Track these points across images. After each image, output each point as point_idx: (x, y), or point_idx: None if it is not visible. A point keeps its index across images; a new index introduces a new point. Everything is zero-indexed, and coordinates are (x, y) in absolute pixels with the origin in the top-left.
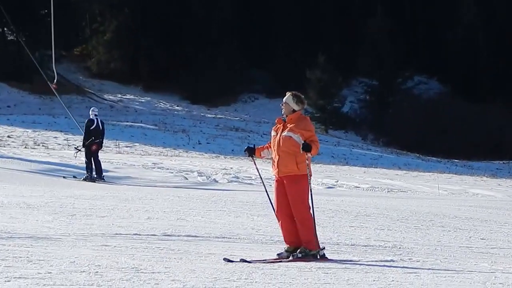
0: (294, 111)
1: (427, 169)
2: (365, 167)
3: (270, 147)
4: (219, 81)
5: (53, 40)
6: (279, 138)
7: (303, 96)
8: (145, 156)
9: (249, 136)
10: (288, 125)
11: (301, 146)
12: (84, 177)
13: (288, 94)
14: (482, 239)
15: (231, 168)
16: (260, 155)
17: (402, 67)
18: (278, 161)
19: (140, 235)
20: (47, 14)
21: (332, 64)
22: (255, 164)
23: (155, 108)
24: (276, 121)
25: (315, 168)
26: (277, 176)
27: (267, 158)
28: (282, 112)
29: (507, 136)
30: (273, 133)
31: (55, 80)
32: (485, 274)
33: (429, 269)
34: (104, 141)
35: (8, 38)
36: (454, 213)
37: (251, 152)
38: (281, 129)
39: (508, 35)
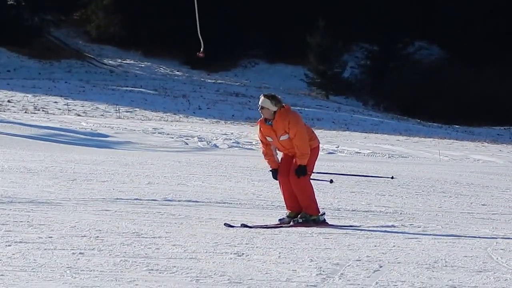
0: (274, 112)
1: (428, 134)
2: (366, 132)
3: (271, 149)
4: (218, 46)
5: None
6: (280, 142)
7: (278, 96)
8: (145, 121)
9: (249, 102)
10: (278, 128)
11: (295, 172)
12: None
13: (263, 98)
14: (483, 205)
15: (232, 133)
16: (275, 161)
17: (403, 33)
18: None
19: (140, 200)
20: None
21: (332, 29)
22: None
23: (155, 73)
24: (259, 126)
25: (316, 133)
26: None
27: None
28: (261, 116)
29: (508, 101)
30: (269, 139)
31: (201, 49)
32: (486, 240)
33: (430, 234)
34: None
35: (8, 3)
36: (455, 179)
37: (275, 174)
38: (274, 134)
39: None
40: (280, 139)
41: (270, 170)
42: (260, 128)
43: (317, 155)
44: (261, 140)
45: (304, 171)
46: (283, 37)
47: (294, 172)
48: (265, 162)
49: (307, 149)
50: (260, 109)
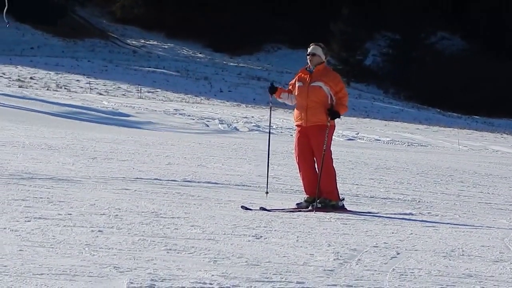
0: (321, 62)
1: (448, 124)
2: (386, 120)
3: (291, 93)
4: (242, 30)
5: None
6: (308, 88)
7: None
8: (166, 102)
9: None
10: (316, 75)
11: (329, 114)
12: None
13: (315, 45)
14: (501, 195)
15: (252, 117)
16: (280, 96)
17: (426, 22)
18: (307, 111)
19: (160, 180)
20: None
21: (356, 17)
22: (270, 110)
23: (177, 55)
24: (299, 71)
25: (335, 120)
26: (304, 125)
27: (285, 101)
28: (309, 63)
29: None
30: (298, 83)
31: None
32: (503, 230)
33: (448, 223)
34: None
35: None
36: (473, 169)
37: (273, 90)
38: (308, 80)
39: None
40: (311, 84)
41: (272, 85)
42: (299, 73)
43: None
44: (291, 84)
45: (338, 115)
46: (307, 23)
47: (328, 113)
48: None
49: (346, 104)
50: (311, 56)
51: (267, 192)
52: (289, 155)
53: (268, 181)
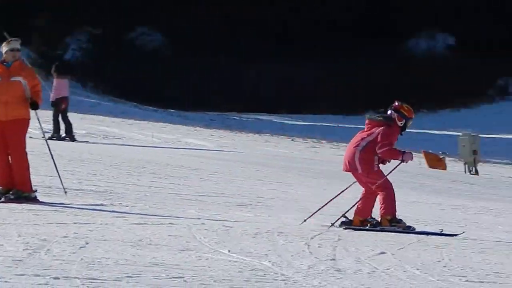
0: (18, 58)
1: (144, 117)
2: (83, 113)
3: None
4: None
5: None
6: (7, 83)
7: None
8: None
9: None
10: (15, 70)
11: (31, 106)
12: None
13: (15, 40)
14: (192, 186)
15: None
16: None
17: (126, 18)
18: (7, 106)
19: None
20: None
21: (56, 12)
22: None
23: None
24: None
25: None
26: (3, 119)
27: None
28: (8, 58)
29: (229, 89)
30: None
31: None
32: (191, 220)
33: (138, 213)
34: None
35: None
36: (166, 161)
37: None
38: (7, 74)
39: None
40: (12, 79)
41: None
42: None
43: None
44: None
45: (38, 107)
46: (2, 17)
47: (31, 105)
48: None
49: (41, 97)
50: (16, 51)
51: None
52: None
53: None
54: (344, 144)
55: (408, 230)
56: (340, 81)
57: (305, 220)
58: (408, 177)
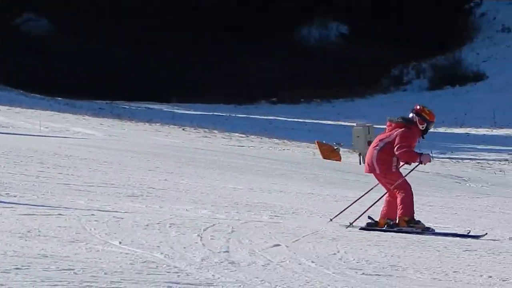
0: None
1: (30, 105)
2: None
3: None
4: None
5: None
6: None
7: None
8: None
9: None
10: None
11: None
12: None
13: None
14: (81, 176)
15: None
16: None
17: (11, 3)
18: None
19: None
20: None
21: None
22: None
23: None
24: None
25: None
26: None
27: None
28: None
29: (107, 76)
30: None
31: None
32: (81, 211)
33: (26, 204)
34: None
35: None
36: (54, 150)
37: None
38: None
39: None
40: None
41: None
42: None
43: None
44: None
45: None
46: None
47: None
48: None
49: None
50: None
51: None
52: None
53: None
54: (236, 134)
55: (427, 231)
56: (231, 71)
57: (331, 220)
58: (302, 168)
